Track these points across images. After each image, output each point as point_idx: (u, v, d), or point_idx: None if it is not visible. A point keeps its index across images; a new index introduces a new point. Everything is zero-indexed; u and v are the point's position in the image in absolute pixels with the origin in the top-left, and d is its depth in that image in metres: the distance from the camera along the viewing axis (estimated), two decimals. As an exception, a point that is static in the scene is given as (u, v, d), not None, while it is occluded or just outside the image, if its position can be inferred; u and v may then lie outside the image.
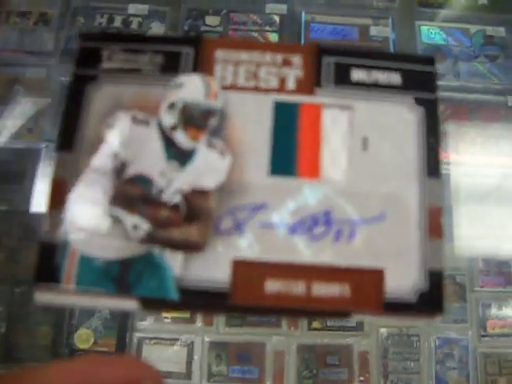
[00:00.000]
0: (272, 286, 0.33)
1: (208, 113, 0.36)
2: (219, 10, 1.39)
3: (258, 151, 0.36)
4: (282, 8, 1.40)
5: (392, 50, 1.35)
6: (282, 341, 1.18)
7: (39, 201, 1.21)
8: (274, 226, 0.34)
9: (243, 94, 0.37)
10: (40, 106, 1.30)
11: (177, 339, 1.17)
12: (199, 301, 0.33)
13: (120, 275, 0.33)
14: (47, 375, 0.26)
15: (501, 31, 1.42)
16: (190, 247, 0.34)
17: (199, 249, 0.34)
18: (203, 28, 1.36)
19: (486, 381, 1.16)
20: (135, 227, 0.34)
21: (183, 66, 0.37)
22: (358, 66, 0.38)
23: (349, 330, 1.19)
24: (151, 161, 0.35)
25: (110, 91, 0.37)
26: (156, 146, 0.35)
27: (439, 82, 0.38)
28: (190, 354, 1.17)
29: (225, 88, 0.37)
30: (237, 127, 0.36)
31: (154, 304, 0.34)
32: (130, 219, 0.34)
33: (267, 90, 0.37)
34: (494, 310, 1.21)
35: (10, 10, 1.38)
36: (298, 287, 0.33)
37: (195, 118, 0.36)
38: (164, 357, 1.15)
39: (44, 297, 0.33)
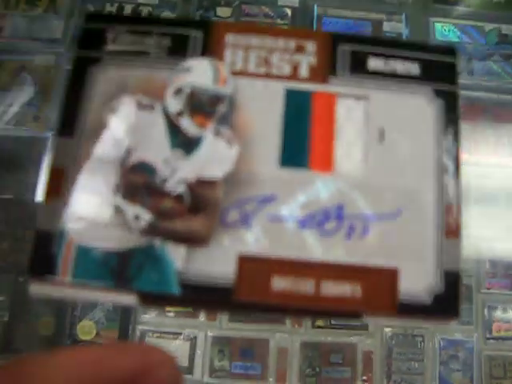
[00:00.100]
0: (279, 283, 0.32)
1: (216, 99, 0.34)
2: (231, 1, 1.38)
3: (267, 141, 0.34)
4: (294, 1, 1.39)
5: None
6: (286, 338, 1.18)
7: (43, 191, 1.20)
8: (283, 220, 0.33)
9: (253, 80, 0.35)
10: (47, 94, 1.30)
11: (180, 333, 1.17)
12: (201, 297, 0.32)
13: (119, 268, 0.32)
14: (58, 360, 0.25)
15: (516, 30, 1.41)
16: (194, 240, 0.32)
17: (203, 242, 0.32)
18: (214, 19, 1.35)
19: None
20: (136, 217, 0.32)
21: (191, 50, 0.36)
22: (375, 55, 0.36)
23: (353, 329, 1.19)
24: (155, 148, 0.34)
25: (114, 74, 0.35)
26: (160, 132, 0.34)
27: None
28: (193, 349, 1.17)
29: (234, 74, 0.35)
30: (246, 115, 0.35)
31: (154, 299, 0.32)
32: (132, 209, 0.32)
33: (279, 77, 0.35)
34: (499, 313, 1.20)
35: (19, -3, 1.38)
36: (306, 285, 0.32)
37: (203, 105, 0.34)
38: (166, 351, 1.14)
39: (39, 289, 0.32)
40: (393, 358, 1.17)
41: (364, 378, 1.16)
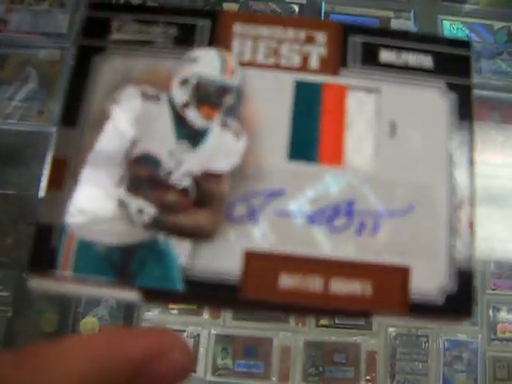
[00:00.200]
0: (286, 280, 0.31)
1: (223, 90, 0.34)
2: (238, -3, 1.38)
3: (276, 133, 0.33)
4: (302, -3, 1.39)
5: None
6: (289, 337, 1.19)
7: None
8: (292, 215, 0.32)
9: (262, 71, 0.35)
10: (52, 89, 1.30)
11: (183, 331, 1.17)
12: (206, 293, 0.31)
13: (121, 263, 0.31)
14: (71, 344, 0.25)
15: (525, 28, 1.41)
16: (199, 235, 0.31)
17: (208, 237, 0.31)
18: (216, 9, 1.35)
19: (494, 385, 1.17)
20: (140, 211, 0.31)
21: (198, 40, 0.35)
22: (387, 47, 0.35)
23: (357, 329, 1.20)
24: (160, 140, 0.33)
25: (119, 64, 0.34)
26: (166, 124, 0.33)
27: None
28: (196, 347, 1.17)
29: (242, 64, 0.35)
30: (254, 107, 0.34)
31: (157, 295, 0.32)
32: (135, 202, 0.31)
33: (288, 69, 0.35)
34: (504, 314, 1.21)
35: (24, -9, 1.38)
36: (314, 283, 0.31)
37: (209, 96, 0.33)
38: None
39: (39, 283, 0.31)
40: (397, 359, 1.17)
41: (367, 377, 1.17)
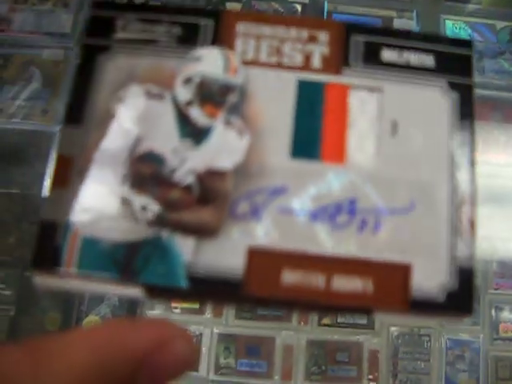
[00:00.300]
0: (289, 277, 0.31)
1: (226, 89, 0.34)
2: (241, -3, 1.38)
3: (279, 132, 0.34)
4: (305, -3, 1.39)
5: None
6: (292, 336, 1.19)
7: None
8: (294, 212, 0.32)
9: (265, 70, 0.35)
10: (55, 88, 1.30)
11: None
12: (209, 290, 0.31)
13: (125, 260, 0.31)
14: (71, 339, 0.25)
15: (528, 28, 1.41)
16: (202, 232, 0.32)
17: (212, 234, 0.32)
18: (219, 8, 1.35)
19: (496, 385, 1.17)
20: (144, 208, 0.32)
21: (202, 39, 0.35)
22: (389, 46, 0.36)
23: (359, 328, 1.20)
24: (164, 138, 0.33)
25: (123, 62, 0.35)
26: (169, 122, 0.33)
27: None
28: (199, 346, 1.17)
29: (245, 63, 0.35)
30: (257, 105, 0.34)
31: (161, 292, 0.32)
32: (139, 200, 0.32)
33: (291, 68, 0.35)
34: (507, 313, 1.21)
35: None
36: (317, 280, 0.31)
37: (213, 94, 0.34)
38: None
39: (43, 280, 0.31)
40: (399, 358, 1.18)
41: (370, 376, 1.17)
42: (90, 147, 0.33)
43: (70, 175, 0.32)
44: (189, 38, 0.35)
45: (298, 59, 0.35)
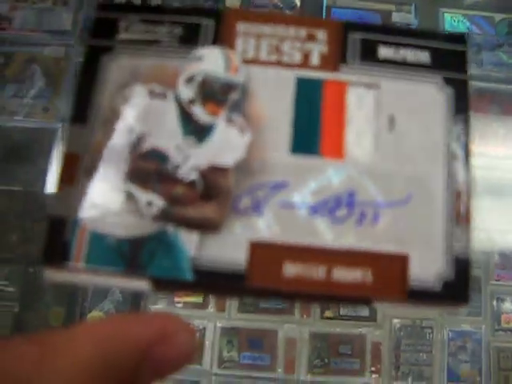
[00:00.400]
0: (291, 269, 0.32)
1: (228, 87, 0.34)
2: (240, -8, 1.38)
3: (279, 128, 0.34)
4: (304, -9, 1.39)
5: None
6: (294, 328, 1.19)
7: (54, 182, 1.21)
8: (295, 207, 0.33)
9: (265, 68, 0.36)
10: (57, 86, 1.30)
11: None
12: (214, 282, 0.32)
13: (132, 254, 0.32)
14: (75, 334, 0.26)
15: (526, 20, 1.41)
16: (206, 226, 0.32)
17: (215, 228, 0.32)
18: (219, 8, 1.35)
19: (498, 375, 1.17)
20: (149, 204, 0.32)
21: (203, 39, 0.36)
22: (386, 43, 0.36)
23: (362, 320, 1.20)
24: (167, 135, 0.34)
25: (127, 63, 0.35)
26: (173, 120, 0.34)
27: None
28: (202, 340, 1.17)
29: (246, 62, 0.36)
30: (258, 103, 0.35)
31: (166, 285, 0.33)
32: (144, 196, 0.33)
33: (290, 65, 0.36)
34: (508, 304, 1.21)
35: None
36: (317, 271, 0.32)
37: (214, 92, 0.34)
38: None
39: (53, 275, 0.32)
40: (401, 350, 1.18)
41: (373, 368, 1.17)
42: (95, 145, 0.34)
43: (77, 173, 0.33)
44: (190, 38, 0.36)
45: (297, 57, 0.36)
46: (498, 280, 1.22)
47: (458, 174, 0.34)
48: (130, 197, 0.33)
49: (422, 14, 1.39)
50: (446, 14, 1.40)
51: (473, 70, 1.31)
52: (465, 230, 0.33)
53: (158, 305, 1.20)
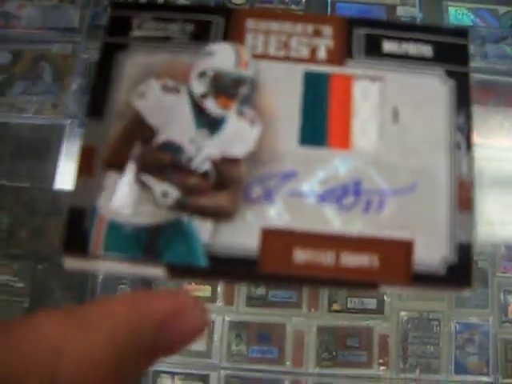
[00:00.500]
0: (301, 255, 0.33)
1: (238, 81, 0.36)
2: (246, -12, 1.38)
3: (288, 121, 0.35)
4: (309, -14, 1.39)
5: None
6: (302, 322, 1.19)
7: (63, 178, 1.22)
8: (304, 195, 0.34)
9: (274, 63, 0.37)
10: (65, 82, 1.31)
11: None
12: (227, 268, 0.33)
13: (149, 242, 0.33)
14: (94, 309, 0.27)
15: (530, 12, 1.41)
16: (219, 214, 0.34)
17: (228, 216, 0.34)
18: (229, 6, 1.35)
19: (506, 367, 1.17)
20: (164, 194, 0.34)
21: (214, 35, 0.37)
22: (389, 38, 0.37)
23: (369, 313, 1.20)
24: (181, 128, 0.35)
25: (141, 59, 0.37)
26: (186, 113, 0.35)
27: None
28: (211, 334, 1.17)
29: (255, 57, 0.37)
30: (267, 96, 0.36)
31: (182, 271, 0.34)
32: (160, 186, 0.34)
33: (298, 60, 0.37)
34: None
35: (35, -13, 1.39)
36: (326, 257, 0.33)
37: (226, 87, 0.36)
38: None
39: (74, 263, 0.33)
40: (409, 342, 1.17)
41: (380, 361, 1.17)
42: (111, 138, 0.35)
43: (94, 165, 0.34)
44: (201, 35, 0.37)
45: (305, 52, 0.37)
46: (505, 272, 1.22)
47: (460, 163, 0.35)
48: (146, 187, 0.34)
49: (427, 8, 1.39)
50: (450, 8, 1.40)
51: (477, 62, 1.31)
52: (468, 216, 0.34)
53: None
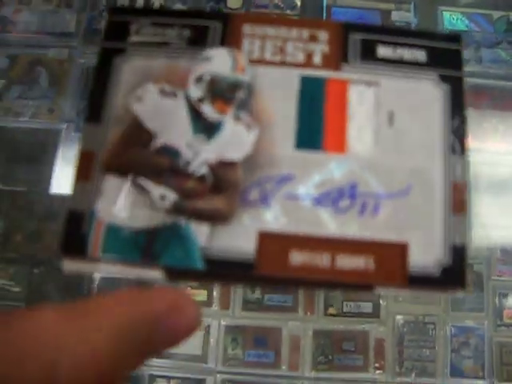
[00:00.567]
0: (297, 257, 0.33)
1: (235, 86, 0.36)
2: (241, -8, 1.38)
3: (284, 125, 0.36)
4: (304, -9, 1.39)
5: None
6: (298, 326, 1.19)
7: (59, 182, 1.22)
8: (300, 198, 0.34)
9: (270, 68, 0.37)
10: (61, 87, 1.31)
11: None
12: (224, 271, 0.33)
13: (146, 244, 0.34)
14: (93, 305, 0.27)
15: (524, 17, 1.41)
16: (216, 218, 0.34)
17: (225, 220, 0.34)
18: (225, 10, 1.35)
19: (501, 370, 1.16)
20: (162, 197, 0.34)
21: (211, 40, 0.38)
22: (384, 43, 0.38)
23: (365, 317, 1.19)
24: (178, 133, 0.35)
25: (138, 64, 0.37)
26: (183, 118, 0.36)
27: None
28: (207, 338, 1.17)
29: (252, 62, 0.37)
30: (263, 101, 0.36)
31: (179, 274, 0.34)
32: (157, 190, 0.34)
33: (294, 65, 0.37)
34: (510, 300, 1.20)
35: (32, -8, 1.39)
36: (322, 259, 0.33)
37: (222, 91, 0.36)
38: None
39: (72, 265, 0.34)
40: (404, 346, 1.17)
41: (376, 365, 1.17)
42: (109, 143, 0.35)
43: (92, 169, 0.35)
44: (198, 40, 0.37)
45: (300, 57, 0.37)
46: (500, 276, 1.21)
47: (455, 166, 0.35)
48: (143, 191, 0.34)
49: (421, 13, 1.40)
50: (444, 13, 1.40)
51: (472, 67, 1.32)
52: (462, 219, 0.35)
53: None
